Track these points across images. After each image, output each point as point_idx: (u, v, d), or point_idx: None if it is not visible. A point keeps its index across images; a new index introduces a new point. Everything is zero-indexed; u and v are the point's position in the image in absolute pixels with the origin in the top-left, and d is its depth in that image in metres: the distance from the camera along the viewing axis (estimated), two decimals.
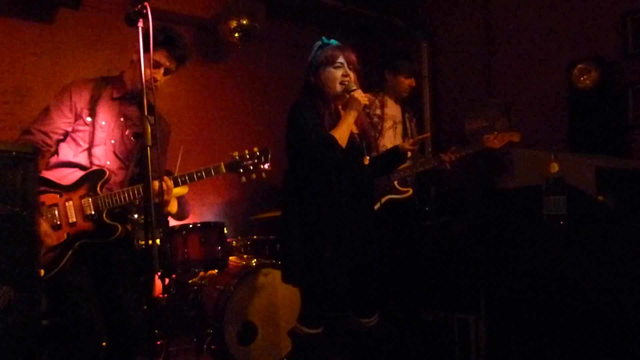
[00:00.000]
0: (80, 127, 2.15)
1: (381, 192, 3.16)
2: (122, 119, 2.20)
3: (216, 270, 3.33)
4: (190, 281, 3.37)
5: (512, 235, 2.27)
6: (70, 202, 2.07)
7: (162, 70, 2.17)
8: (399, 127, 3.47)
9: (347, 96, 2.21)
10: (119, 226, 2.10)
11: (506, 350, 2.31)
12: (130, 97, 2.22)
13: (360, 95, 2.18)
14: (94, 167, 2.13)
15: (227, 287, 3.03)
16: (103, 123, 2.17)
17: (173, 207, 3.89)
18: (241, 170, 2.16)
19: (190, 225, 3.29)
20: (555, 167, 2.10)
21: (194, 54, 4.52)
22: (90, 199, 2.07)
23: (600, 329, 1.95)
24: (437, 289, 3.55)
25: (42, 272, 1.95)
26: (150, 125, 1.76)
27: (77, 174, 2.12)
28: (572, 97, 3.66)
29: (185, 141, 3.98)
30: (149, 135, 1.76)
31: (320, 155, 2.15)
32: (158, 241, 3.15)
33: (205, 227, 3.33)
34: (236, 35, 4.21)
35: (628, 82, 3.55)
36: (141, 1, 1.97)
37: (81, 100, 2.15)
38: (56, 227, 2.04)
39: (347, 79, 2.22)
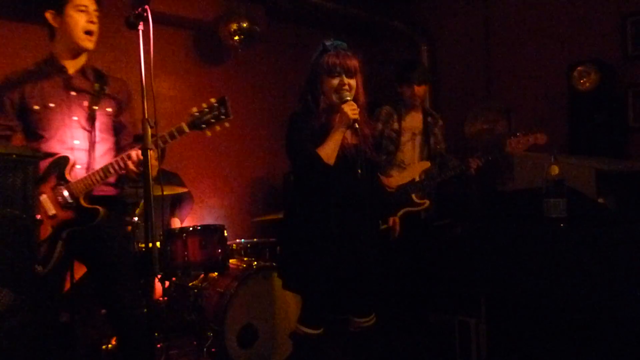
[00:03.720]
0: (32, 118, 2.12)
1: (400, 205, 3.16)
2: (73, 93, 2.16)
3: (216, 273, 3.32)
4: (190, 284, 3.36)
5: (512, 237, 2.27)
6: (45, 195, 2.05)
7: (91, 13, 2.11)
8: (419, 138, 3.45)
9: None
10: (99, 209, 2.07)
11: (507, 353, 2.30)
12: (67, 70, 2.17)
13: (349, 108, 2.11)
14: (65, 154, 2.09)
15: (228, 289, 3.02)
16: (52, 105, 2.12)
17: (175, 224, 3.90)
18: (203, 126, 2.05)
19: (191, 228, 3.29)
20: (555, 170, 2.09)
21: (195, 57, 4.53)
22: (62, 188, 2.05)
23: (601, 332, 1.94)
24: (438, 291, 3.54)
25: (41, 268, 1.99)
26: (151, 127, 1.76)
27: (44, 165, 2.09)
28: (572, 100, 3.65)
29: (185, 143, 3.98)
30: (149, 138, 1.76)
31: (305, 173, 2.23)
32: (158, 244, 3.15)
33: (206, 230, 3.32)
34: (236, 38, 4.22)
35: (628, 84, 3.55)
36: (142, 4, 1.97)
37: (14, 93, 2.11)
38: (39, 223, 2.01)
39: (345, 87, 2.17)
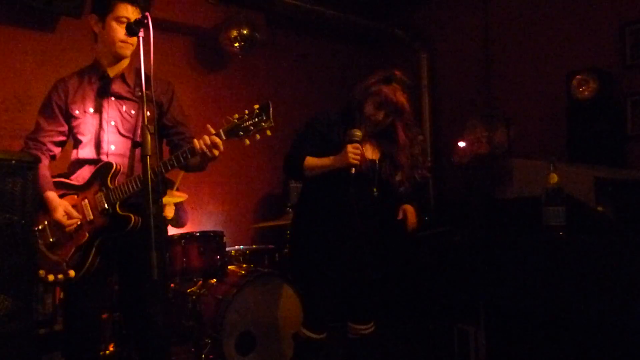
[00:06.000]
0: (74, 124, 2.15)
1: None
2: (112, 98, 2.15)
3: (215, 280, 3.32)
4: (188, 290, 3.35)
5: (511, 245, 2.27)
6: (86, 201, 2.07)
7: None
8: None
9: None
10: (132, 216, 2.04)
11: None
12: (109, 75, 2.17)
13: (352, 150, 2.12)
14: (102, 159, 2.10)
15: (226, 296, 3.02)
16: (91, 110, 2.14)
17: (169, 211, 3.85)
18: (241, 134, 1.94)
19: (189, 235, 3.28)
20: (554, 178, 2.10)
21: (195, 64, 4.54)
22: (102, 194, 2.05)
23: (599, 340, 1.94)
24: (437, 299, 3.54)
25: (73, 272, 2.00)
26: (151, 134, 1.76)
27: (89, 170, 2.12)
28: (571, 108, 3.66)
29: None
30: (149, 145, 1.76)
31: (284, 166, 2.34)
32: None
33: (205, 236, 3.32)
34: (236, 45, 4.23)
35: (627, 92, 3.56)
36: (142, 11, 1.97)
37: (61, 98, 2.16)
38: (78, 228, 2.05)
39: (373, 120, 2.24)
